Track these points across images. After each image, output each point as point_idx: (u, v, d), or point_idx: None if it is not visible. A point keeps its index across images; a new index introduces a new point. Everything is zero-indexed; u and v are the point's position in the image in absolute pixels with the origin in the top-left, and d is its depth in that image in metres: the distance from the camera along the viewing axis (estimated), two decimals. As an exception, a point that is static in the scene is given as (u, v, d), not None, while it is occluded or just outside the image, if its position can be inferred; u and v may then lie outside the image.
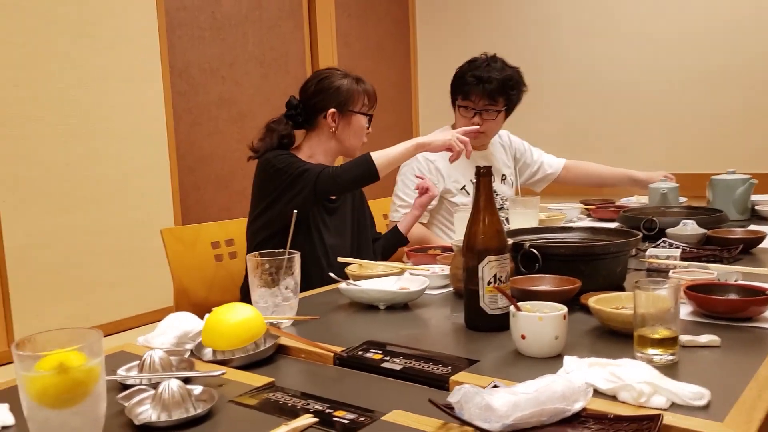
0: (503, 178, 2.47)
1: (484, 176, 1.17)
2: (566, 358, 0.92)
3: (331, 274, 1.46)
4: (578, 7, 4.09)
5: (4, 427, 0.88)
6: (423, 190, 1.92)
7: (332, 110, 1.85)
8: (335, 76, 1.89)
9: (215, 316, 1.12)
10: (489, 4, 4.40)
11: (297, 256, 1.27)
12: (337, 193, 1.80)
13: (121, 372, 1.02)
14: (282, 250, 1.27)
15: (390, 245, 2.02)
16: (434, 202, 2.27)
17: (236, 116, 3.48)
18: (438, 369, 0.95)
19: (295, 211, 1.43)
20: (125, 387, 0.96)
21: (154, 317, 3.05)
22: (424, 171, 2.28)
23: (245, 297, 1.87)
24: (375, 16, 4.41)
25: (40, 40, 2.71)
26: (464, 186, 2.32)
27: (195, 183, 3.34)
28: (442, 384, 0.92)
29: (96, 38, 2.88)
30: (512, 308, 1.03)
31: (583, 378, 0.84)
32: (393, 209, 2.29)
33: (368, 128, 1.94)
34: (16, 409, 0.90)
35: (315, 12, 3.91)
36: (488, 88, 2.24)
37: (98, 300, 2.94)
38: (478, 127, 1.95)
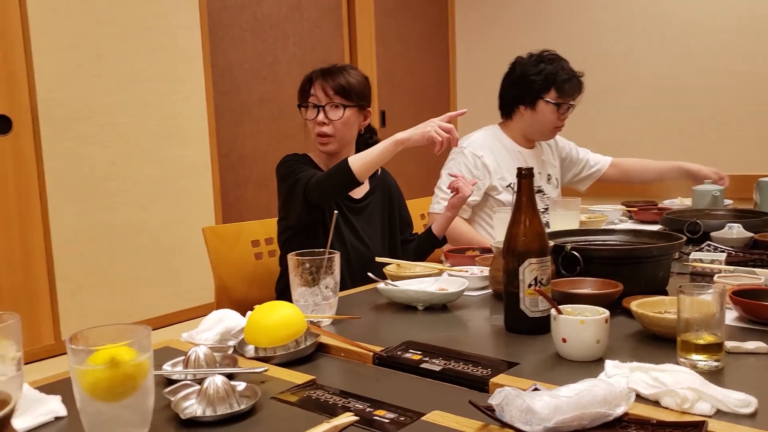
0: (548, 178, 2.45)
1: (525, 178, 1.17)
2: (608, 362, 0.92)
3: (370, 274, 1.47)
4: (621, 3, 4.03)
5: (57, 418, 0.92)
6: (455, 191, 1.89)
7: None
8: None
9: (258, 314, 1.14)
10: (529, 3, 4.36)
11: (337, 256, 1.28)
12: (324, 202, 1.76)
13: (167, 367, 1.05)
14: (322, 249, 1.29)
15: (424, 247, 2.01)
16: (476, 198, 2.26)
17: (277, 115, 3.53)
18: (477, 371, 0.96)
19: (336, 212, 1.45)
20: (170, 382, 0.98)
21: (194, 314, 3.12)
22: (470, 167, 2.27)
23: (281, 295, 1.90)
24: (413, 15, 4.41)
25: (87, 41, 2.79)
26: (510, 183, 2.30)
27: (236, 182, 3.39)
28: (482, 386, 0.92)
29: (141, 39, 2.95)
30: (553, 311, 1.03)
31: (625, 382, 0.84)
32: (435, 201, 2.27)
33: None
34: (67, 401, 0.93)
35: (354, 12, 3.93)
36: (579, 84, 2.25)
37: (140, 296, 3.02)
38: (464, 110, 1.88)
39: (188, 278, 3.14)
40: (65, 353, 2.76)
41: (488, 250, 1.72)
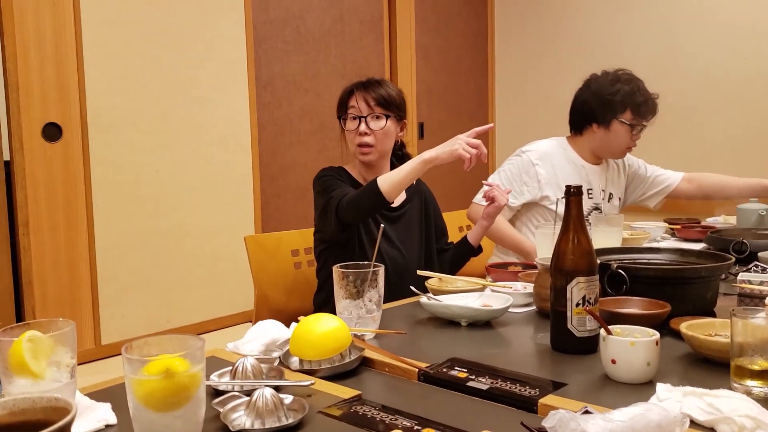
0: (610, 197, 2.42)
1: (574, 195, 1.16)
2: (659, 386, 0.90)
3: (412, 288, 1.47)
4: (659, 21, 3.98)
5: (107, 426, 0.93)
6: (490, 200, 1.87)
7: None
8: None
9: (303, 326, 1.15)
10: (568, 18, 4.33)
11: (381, 269, 1.29)
12: (356, 222, 1.77)
13: (214, 378, 1.06)
14: (366, 262, 1.30)
15: (459, 256, 2.00)
16: (515, 202, 2.25)
17: (317, 127, 3.56)
18: (525, 390, 0.95)
19: (382, 225, 1.46)
20: (218, 393, 1.00)
21: (233, 320, 3.15)
22: (522, 171, 2.27)
23: (319, 308, 1.91)
24: (454, 30, 4.42)
25: (136, 51, 2.86)
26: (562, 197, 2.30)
27: (276, 191, 3.43)
28: (530, 406, 0.91)
29: (188, 50, 3.02)
30: (602, 332, 1.01)
31: (678, 407, 0.82)
32: (480, 192, 2.25)
33: None
34: (117, 409, 0.95)
35: (395, 26, 3.96)
36: (654, 105, 2.27)
37: (180, 302, 3.06)
38: (491, 125, 1.87)
39: (228, 285, 3.18)
40: (105, 357, 2.85)
41: (531, 266, 1.70)
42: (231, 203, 3.21)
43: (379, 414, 0.91)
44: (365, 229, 1.85)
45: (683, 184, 2.53)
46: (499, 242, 2.29)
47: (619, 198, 2.47)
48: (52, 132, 2.66)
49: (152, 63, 2.90)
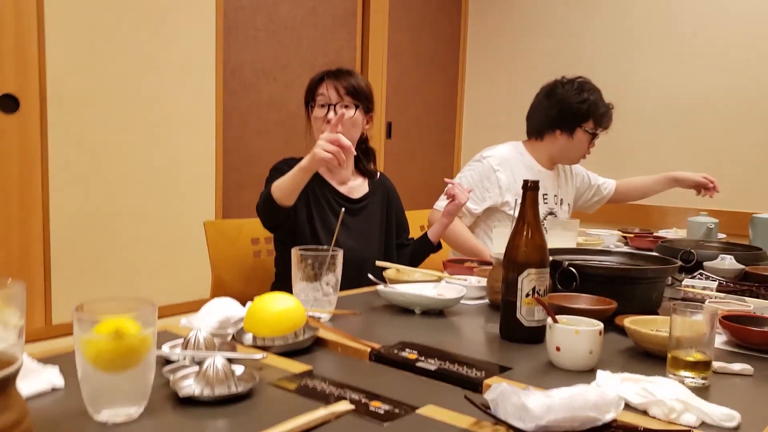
0: (561, 202, 2.48)
1: (531, 190, 1.19)
2: (600, 372, 0.94)
3: (370, 276, 1.49)
4: (632, 36, 4.09)
5: (54, 389, 0.93)
6: (451, 197, 1.90)
7: None
8: None
9: (258, 303, 1.16)
10: (540, 26, 4.42)
11: (340, 254, 1.30)
12: (267, 223, 1.80)
13: (166, 348, 1.06)
14: (326, 246, 1.31)
15: (419, 252, 2.03)
16: (477, 208, 2.28)
17: (285, 118, 3.56)
18: (472, 372, 0.98)
19: (342, 209, 1.48)
20: (168, 363, 1.00)
21: (189, 307, 3.11)
22: (483, 176, 2.30)
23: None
24: (427, 32, 4.46)
25: (102, 26, 2.82)
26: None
27: (239, 180, 3.41)
28: (476, 386, 0.94)
29: (156, 30, 2.98)
30: (549, 320, 1.05)
31: (615, 390, 0.86)
32: (440, 198, 2.27)
33: None
34: (64, 374, 0.95)
35: (368, 23, 3.98)
36: (611, 116, 2.36)
37: (136, 285, 3.02)
38: (342, 114, 1.92)
39: (186, 272, 3.15)
40: (56, 337, 2.79)
41: (486, 263, 1.74)
42: (192, 189, 3.19)
43: (328, 387, 0.93)
44: (321, 221, 1.85)
45: (614, 191, 2.69)
46: (456, 247, 2.30)
47: (569, 204, 2.53)
48: (8, 104, 2.60)
49: (118, 39, 2.86)
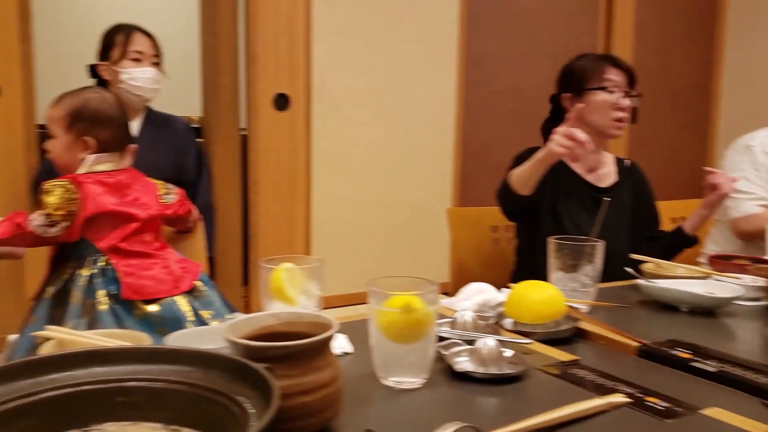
0: None
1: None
2: None
3: (629, 270, 1.44)
4: None
5: (345, 353, 1.05)
6: (713, 187, 1.74)
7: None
8: None
9: (520, 290, 1.19)
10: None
11: (600, 246, 1.28)
12: (505, 208, 1.81)
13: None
14: (585, 237, 1.29)
15: (673, 245, 1.89)
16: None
17: (522, 106, 3.55)
18: (760, 378, 0.90)
19: (607, 199, 1.45)
20: (439, 340, 1.07)
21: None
22: (757, 166, 2.10)
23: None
24: (677, 9, 4.13)
25: (358, 30, 3.05)
26: None
27: (476, 169, 3.48)
28: (766, 394, 0.87)
29: (403, 27, 3.15)
30: None
31: None
32: (739, 203, 2.11)
33: None
34: (353, 340, 1.06)
35: (614, 5, 3.79)
36: None
37: (377, 269, 3.24)
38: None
39: (425, 255, 3.30)
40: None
41: (760, 260, 1.58)
42: (431, 178, 3.32)
43: (599, 378, 0.92)
44: (566, 209, 1.82)
45: None
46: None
47: None
48: (281, 102, 2.94)
49: (371, 41, 3.07)
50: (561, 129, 1.55)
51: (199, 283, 1.63)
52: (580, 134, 1.52)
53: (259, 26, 2.82)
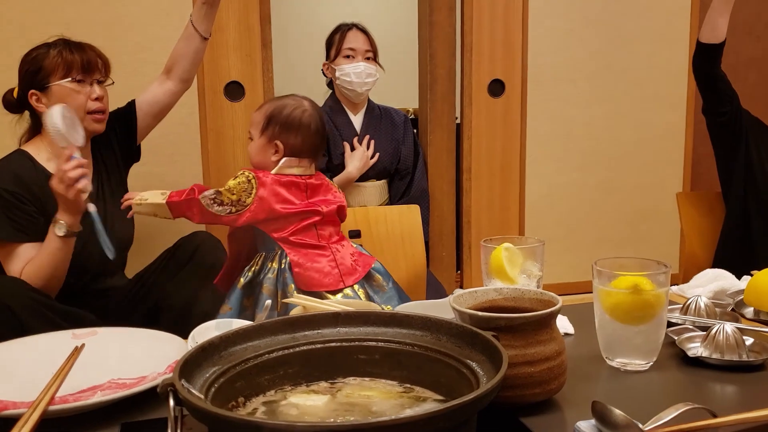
0: None
1: None
2: None
3: None
4: None
5: (566, 334, 1.05)
6: None
7: None
8: None
9: (762, 277, 1.09)
10: None
11: None
12: None
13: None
14: None
15: None
16: None
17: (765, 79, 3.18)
18: None
19: None
20: (669, 325, 1.02)
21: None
22: None
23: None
24: None
25: (577, 8, 2.94)
26: None
27: (711, 149, 3.19)
28: None
29: (629, 3, 2.99)
30: None
31: None
32: None
33: None
34: (574, 322, 1.06)
35: None
36: None
37: (599, 256, 3.12)
38: None
39: (651, 246, 3.11)
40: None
41: None
42: (659, 160, 3.10)
43: None
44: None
45: None
46: None
47: None
48: (496, 88, 2.94)
49: (593, 19, 2.95)
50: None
51: (376, 275, 1.61)
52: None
53: (474, 14, 2.86)
